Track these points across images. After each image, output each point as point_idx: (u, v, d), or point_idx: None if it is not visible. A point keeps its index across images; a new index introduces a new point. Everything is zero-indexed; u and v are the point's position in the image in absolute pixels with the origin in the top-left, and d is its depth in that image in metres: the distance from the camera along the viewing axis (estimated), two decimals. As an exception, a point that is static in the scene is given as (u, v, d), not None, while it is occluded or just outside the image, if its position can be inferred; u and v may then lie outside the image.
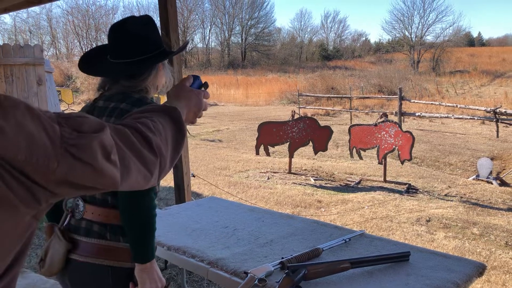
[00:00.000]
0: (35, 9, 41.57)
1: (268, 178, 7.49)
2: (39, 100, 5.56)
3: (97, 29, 46.52)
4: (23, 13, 36.94)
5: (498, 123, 13.16)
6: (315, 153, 7.86)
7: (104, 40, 48.52)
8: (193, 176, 6.61)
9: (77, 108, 21.56)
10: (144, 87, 1.54)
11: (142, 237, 1.40)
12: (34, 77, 5.50)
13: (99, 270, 1.43)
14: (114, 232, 1.44)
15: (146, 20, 1.56)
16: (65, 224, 1.51)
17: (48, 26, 43.24)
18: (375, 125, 7.45)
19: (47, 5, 38.99)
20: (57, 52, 44.10)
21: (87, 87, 26.20)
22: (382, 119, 7.52)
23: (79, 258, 1.45)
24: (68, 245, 1.45)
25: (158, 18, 3.61)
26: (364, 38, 63.27)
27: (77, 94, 25.75)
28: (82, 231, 1.47)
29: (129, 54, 1.51)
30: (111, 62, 1.55)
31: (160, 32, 1.65)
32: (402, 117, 14.68)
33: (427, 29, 47.28)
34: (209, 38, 53.33)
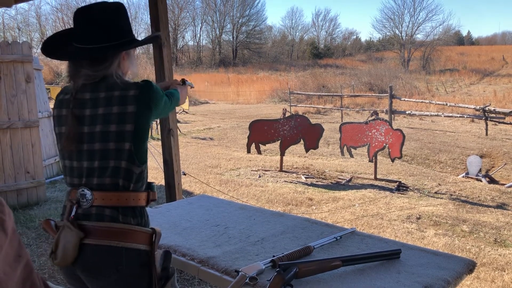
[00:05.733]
0: (24, 5, 41.13)
1: (260, 176, 7.49)
2: (27, 97, 5.49)
3: (87, 26, 46.03)
4: (11, 9, 36.51)
5: (487, 121, 13.30)
6: (306, 151, 7.87)
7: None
8: (184, 174, 6.58)
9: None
10: (110, 74, 1.54)
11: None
12: (22, 75, 5.43)
13: (113, 252, 1.45)
14: (125, 214, 1.48)
15: (114, 6, 1.56)
16: (72, 214, 1.50)
17: (37, 23, 42.76)
18: (366, 123, 7.48)
19: (36, 1, 38.64)
20: (47, 49, 43.55)
21: (77, 85, 25.94)
22: (373, 117, 7.55)
23: (93, 242, 1.46)
24: (80, 234, 1.46)
25: (149, 16, 3.58)
26: (354, 37, 63.58)
27: (67, 91, 25.49)
28: (94, 217, 1.48)
29: (94, 39, 1.52)
30: (75, 46, 1.56)
31: (130, 20, 1.67)
32: (392, 115, 14.77)
33: (417, 27, 47.64)
34: (200, 36, 53.08)
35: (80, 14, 1.54)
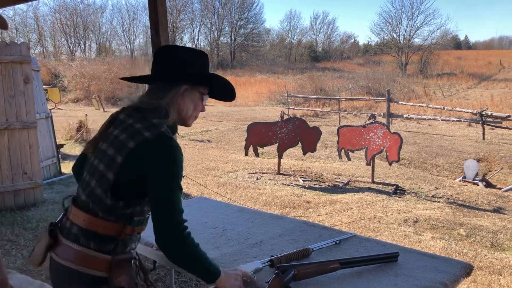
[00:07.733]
0: (22, 6, 41.05)
1: (257, 179, 7.49)
2: (25, 98, 5.48)
3: (85, 27, 46.08)
4: (9, 10, 36.43)
5: (484, 125, 13.34)
6: (304, 154, 7.88)
7: (91, 38, 48.06)
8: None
9: (63, 107, 21.31)
10: (163, 107, 1.50)
11: (193, 265, 1.49)
12: (20, 75, 5.42)
13: (68, 273, 1.44)
14: (87, 237, 1.43)
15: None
16: (57, 220, 1.53)
17: (35, 24, 42.71)
18: (364, 126, 7.49)
19: (34, 2, 38.55)
20: (44, 50, 43.60)
21: (75, 86, 25.93)
22: (370, 121, 7.57)
23: (55, 258, 1.47)
24: (50, 241, 1.48)
25: (147, 17, 3.59)
26: (352, 40, 63.70)
27: (65, 93, 25.45)
28: (65, 231, 1.48)
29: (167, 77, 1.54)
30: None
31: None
32: (390, 119, 14.79)
33: (415, 31, 47.83)
34: (198, 38, 53.13)
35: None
